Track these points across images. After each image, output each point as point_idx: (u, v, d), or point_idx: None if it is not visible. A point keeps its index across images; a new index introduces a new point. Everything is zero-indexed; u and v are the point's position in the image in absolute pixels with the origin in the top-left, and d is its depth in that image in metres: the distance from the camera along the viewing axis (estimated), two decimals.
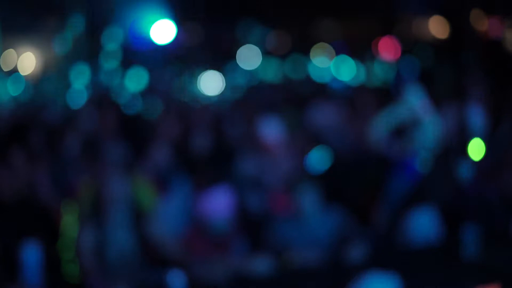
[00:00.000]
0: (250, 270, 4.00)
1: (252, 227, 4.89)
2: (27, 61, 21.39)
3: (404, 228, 4.99)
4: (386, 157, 5.83)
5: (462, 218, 4.58)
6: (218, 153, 5.86)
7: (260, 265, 4.02)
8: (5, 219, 4.15)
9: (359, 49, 18.99)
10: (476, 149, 5.19)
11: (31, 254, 3.69)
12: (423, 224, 4.87)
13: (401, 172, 5.43)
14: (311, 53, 19.39)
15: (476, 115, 5.82)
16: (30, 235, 4.14)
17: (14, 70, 18.92)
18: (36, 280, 3.65)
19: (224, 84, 14.66)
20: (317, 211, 4.59)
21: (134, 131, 6.92)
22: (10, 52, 20.33)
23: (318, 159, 6.27)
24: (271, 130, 6.78)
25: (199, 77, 15.03)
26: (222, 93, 13.23)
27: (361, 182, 5.99)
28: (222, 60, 18.24)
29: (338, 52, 19.19)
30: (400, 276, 3.50)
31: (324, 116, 7.77)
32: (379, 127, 6.53)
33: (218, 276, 3.96)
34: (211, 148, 6.10)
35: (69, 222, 5.21)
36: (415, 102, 5.92)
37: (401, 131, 6.13)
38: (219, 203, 4.46)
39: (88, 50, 17.98)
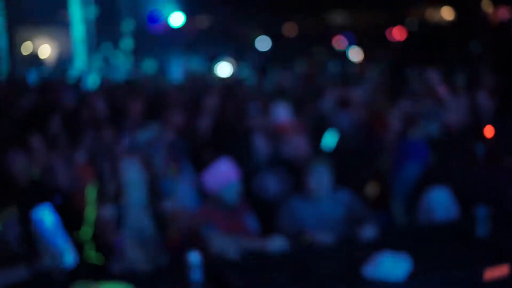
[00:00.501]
0: (265, 249, 4.04)
1: (267, 207, 4.97)
2: (44, 52, 21.56)
3: (418, 208, 5.05)
4: (399, 139, 5.88)
5: (474, 199, 4.65)
6: (232, 133, 5.93)
7: (275, 244, 4.06)
8: (20, 202, 4.16)
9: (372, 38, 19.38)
10: (486, 133, 5.27)
11: (45, 217, 3.47)
12: (437, 204, 4.94)
13: (415, 154, 5.45)
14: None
15: (485, 101, 5.86)
16: None
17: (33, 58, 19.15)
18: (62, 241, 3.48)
19: (236, 67, 15.56)
20: (329, 192, 4.64)
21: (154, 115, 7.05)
22: (27, 45, 20.55)
23: (328, 141, 6.34)
24: (282, 113, 6.87)
25: (216, 64, 15.79)
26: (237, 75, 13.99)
27: (372, 163, 6.07)
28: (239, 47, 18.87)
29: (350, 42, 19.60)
30: (411, 256, 3.55)
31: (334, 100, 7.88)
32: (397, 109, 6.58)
33: (233, 253, 4.03)
34: (224, 130, 6.19)
35: (90, 205, 5.32)
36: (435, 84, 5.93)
37: (419, 114, 6.16)
38: (225, 173, 4.54)
39: (103, 36, 18.19)
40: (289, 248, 4.08)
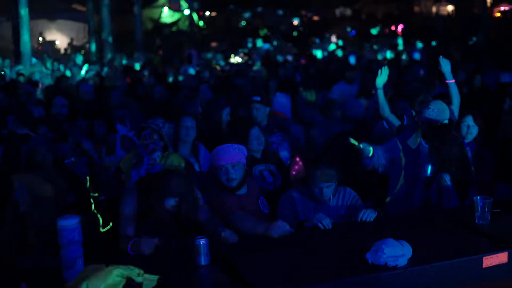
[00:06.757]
0: (268, 234, 4.12)
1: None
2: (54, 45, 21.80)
3: (419, 195, 5.10)
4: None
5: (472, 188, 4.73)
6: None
7: (277, 230, 4.12)
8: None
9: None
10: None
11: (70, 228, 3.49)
12: (438, 191, 5.01)
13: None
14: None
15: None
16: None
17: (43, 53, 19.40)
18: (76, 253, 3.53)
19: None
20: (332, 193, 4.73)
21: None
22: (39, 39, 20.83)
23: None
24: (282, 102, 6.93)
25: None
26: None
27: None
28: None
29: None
30: (411, 242, 3.62)
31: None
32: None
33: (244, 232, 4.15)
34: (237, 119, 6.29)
35: None
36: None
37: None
38: (235, 155, 4.66)
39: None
40: (291, 233, 4.15)
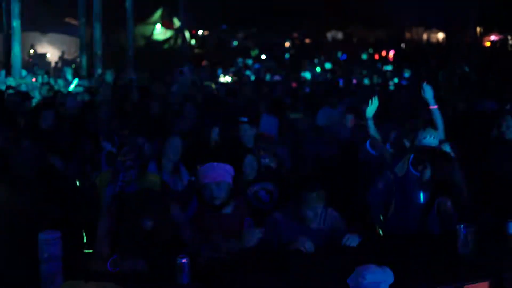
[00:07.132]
0: (243, 245, 4.17)
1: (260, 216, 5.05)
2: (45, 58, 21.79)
3: (413, 222, 5.08)
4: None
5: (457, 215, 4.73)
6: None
7: (250, 239, 4.18)
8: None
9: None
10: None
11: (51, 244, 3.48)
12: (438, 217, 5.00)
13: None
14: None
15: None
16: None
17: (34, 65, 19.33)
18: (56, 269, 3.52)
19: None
20: (317, 214, 4.65)
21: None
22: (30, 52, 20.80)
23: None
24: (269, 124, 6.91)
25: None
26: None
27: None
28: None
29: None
30: (393, 269, 3.60)
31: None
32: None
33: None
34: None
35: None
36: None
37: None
38: (211, 172, 4.64)
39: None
40: (263, 238, 4.23)
